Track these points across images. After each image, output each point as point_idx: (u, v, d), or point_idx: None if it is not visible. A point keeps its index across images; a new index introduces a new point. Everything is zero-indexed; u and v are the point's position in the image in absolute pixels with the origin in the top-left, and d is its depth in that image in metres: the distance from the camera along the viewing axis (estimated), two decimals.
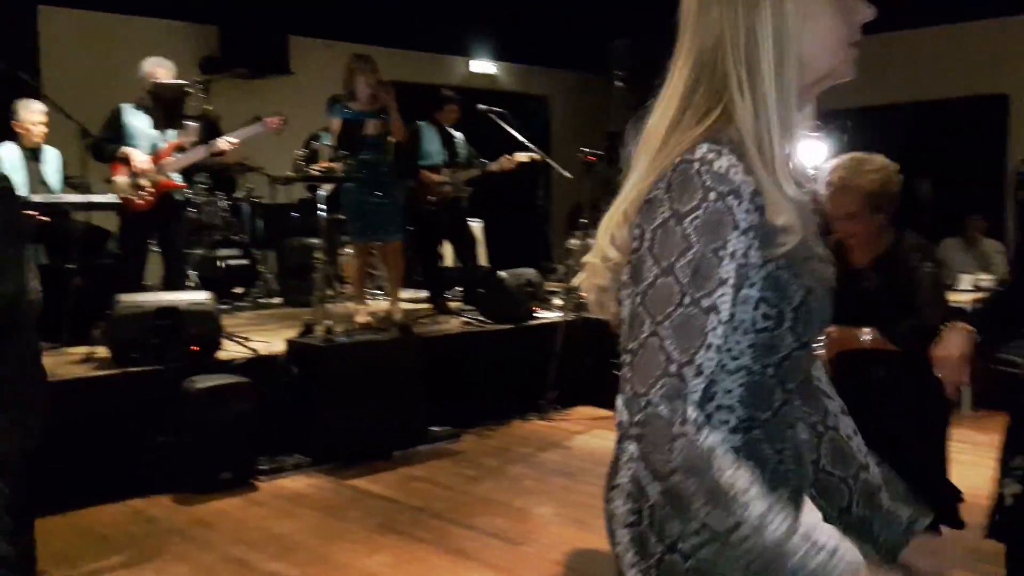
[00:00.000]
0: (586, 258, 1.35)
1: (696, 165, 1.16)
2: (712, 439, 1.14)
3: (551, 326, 6.63)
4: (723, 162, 1.16)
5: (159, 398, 4.83)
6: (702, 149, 1.17)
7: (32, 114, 5.84)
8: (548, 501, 4.66)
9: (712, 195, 1.15)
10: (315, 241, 7.95)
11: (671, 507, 1.18)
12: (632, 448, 1.21)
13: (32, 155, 5.93)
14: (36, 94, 5.98)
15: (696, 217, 1.15)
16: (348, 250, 7.37)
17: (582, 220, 6.57)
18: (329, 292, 6.66)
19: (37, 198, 5.61)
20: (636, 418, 1.14)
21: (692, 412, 1.13)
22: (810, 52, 1.24)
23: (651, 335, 1.15)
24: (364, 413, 5.36)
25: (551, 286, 7.63)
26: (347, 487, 4.94)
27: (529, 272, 6.89)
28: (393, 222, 6.47)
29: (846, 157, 2.99)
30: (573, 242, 7.27)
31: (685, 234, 1.15)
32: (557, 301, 7.32)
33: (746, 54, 1.21)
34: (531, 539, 4.14)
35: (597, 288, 1.33)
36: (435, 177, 7.19)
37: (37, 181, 5.92)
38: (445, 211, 7.22)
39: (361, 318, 6.38)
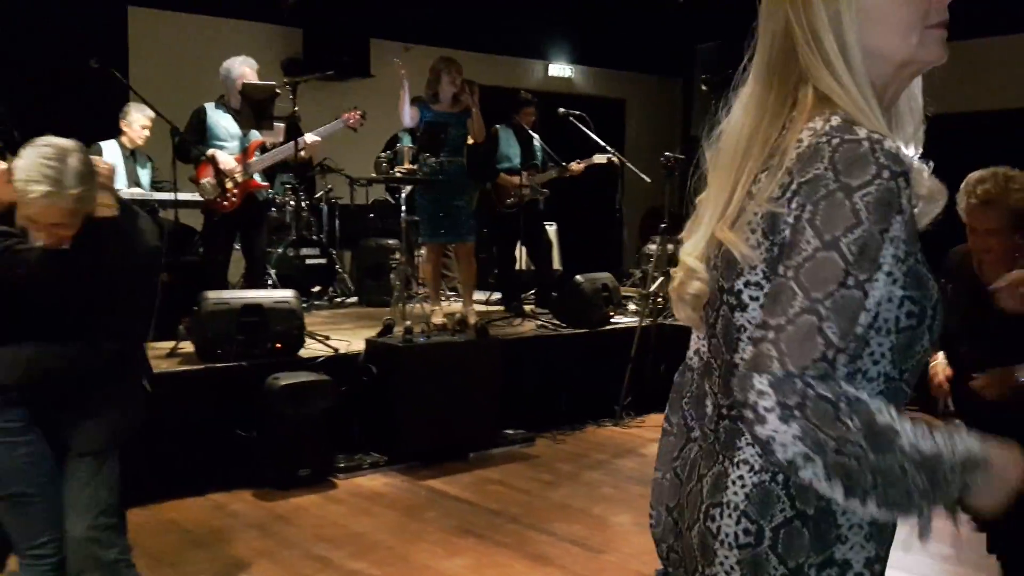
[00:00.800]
0: (683, 260, 1.29)
1: (864, 144, 1.10)
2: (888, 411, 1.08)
3: (626, 331, 6.57)
4: (889, 142, 1.11)
5: (242, 394, 4.90)
6: (862, 130, 1.12)
7: (142, 117, 6.03)
8: (627, 509, 4.61)
9: (886, 173, 1.08)
10: (391, 242, 8.05)
11: (846, 480, 1.06)
12: (751, 463, 1.17)
13: (131, 155, 6.13)
14: (127, 94, 6.14)
15: (868, 193, 1.08)
16: (422, 251, 7.41)
17: (662, 225, 6.48)
18: (407, 292, 6.70)
19: (127, 195, 5.76)
20: (791, 400, 1.05)
21: (852, 392, 1.07)
22: (877, 40, 1.20)
23: (805, 311, 1.07)
24: (440, 414, 5.38)
25: (626, 291, 7.57)
26: (423, 487, 4.96)
27: (605, 276, 6.84)
28: (467, 224, 6.49)
29: (990, 171, 2.88)
30: (651, 247, 7.20)
31: (855, 208, 1.08)
32: (632, 306, 7.26)
33: (814, 40, 1.18)
34: (612, 548, 4.10)
35: (690, 294, 1.28)
36: (513, 180, 7.20)
37: (132, 181, 6.11)
38: (521, 214, 7.22)
39: (437, 319, 6.40)
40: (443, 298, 7.24)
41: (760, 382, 1.07)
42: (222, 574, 3.74)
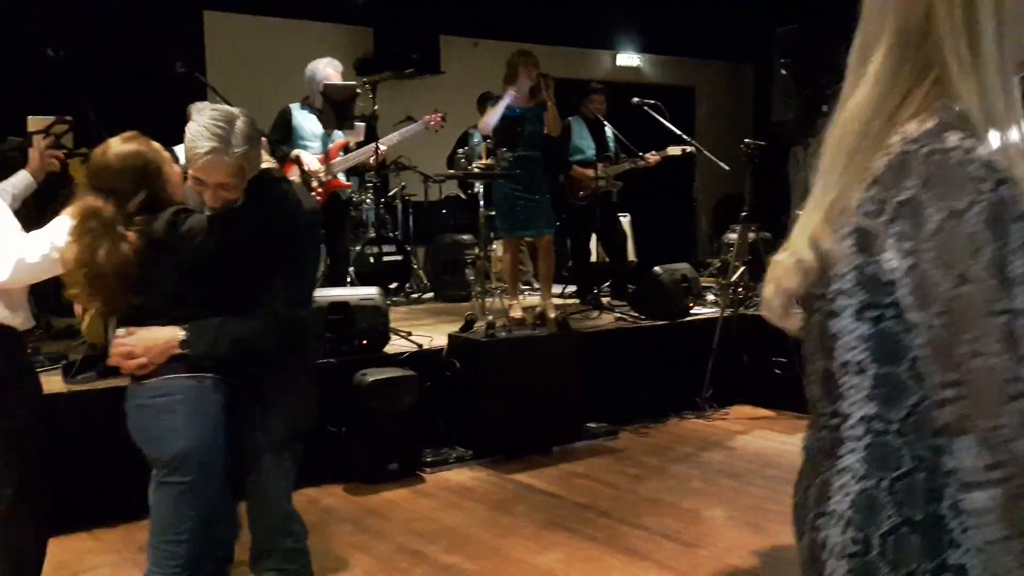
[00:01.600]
0: (777, 256, 1.25)
1: (955, 155, 1.05)
2: None
3: (707, 322, 6.51)
4: (982, 149, 1.06)
5: (331, 390, 4.96)
6: (953, 137, 1.06)
7: None
8: (719, 503, 4.56)
9: (985, 186, 1.04)
10: (465, 237, 8.09)
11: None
12: (853, 471, 1.15)
13: None
14: (204, 97, 6.25)
15: (977, 212, 1.03)
16: (494, 246, 7.42)
17: (743, 213, 6.38)
18: (490, 286, 6.72)
19: None
20: (998, 458, 1.02)
21: None
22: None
23: (974, 357, 1.03)
24: (523, 408, 5.39)
25: (705, 281, 7.49)
26: (510, 481, 4.97)
27: (684, 267, 6.77)
28: (545, 217, 6.47)
29: None
30: (731, 236, 7.09)
31: (970, 234, 1.03)
32: (710, 296, 7.18)
33: (965, 26, 1.11)
34: (706, 541, 4.06)
35: (783, 289, 1.24)
36: (587, 172, 7.17)
37: None
38: (596, 206, 7.18)
39: (515, 313, 6.41)
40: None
41: (965, 445, 1.05)
42: (320, 567, 3.78)
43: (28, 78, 5.98)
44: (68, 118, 4.83)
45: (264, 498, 2.67)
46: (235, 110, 2.54)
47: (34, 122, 5.12)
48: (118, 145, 2.57)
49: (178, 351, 2.48)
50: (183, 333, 2.49)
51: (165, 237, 2.50)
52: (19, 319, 2.90)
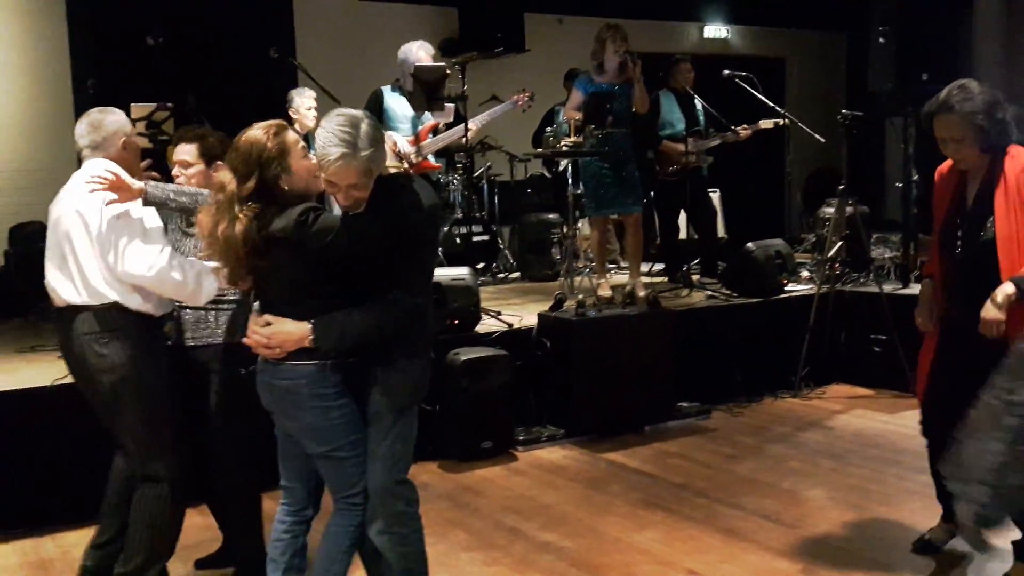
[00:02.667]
0: None
1: None
2: None
3: (802, 299, 6.36)
4: None
5: None
6: None
7: (306, 100, 6.22)
8: (818, 484, 4.46)
9: None
10: (551, 216, 8.06)
11: None
12: None
13: (305, 140, 6.34)
14: (295, 81, 6.35)
15: None
16: (580, 224, 7.37)
17: (840, 186, 6.19)
18: (577, 265, 6.69)
19: None
20: None
21: None
22: None
23: None
24: (615, 387, 5.36)
25: (800, 257, 7.32)
26: (603, 460, 4.96)
27: (778, 243, 6.63)
28: (633, 194, 6.40)
29: None
30: (827, 210, 6.90)
31: None
32: (805, 273, 7.01)
33: None
34: (807, 522, 3.98)
35: None
36: (676, 147, 7.05)
37: None
38: (685, 181, 7.07)
39: (603, 292, 6.36)
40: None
41: None
42: None
43: (130, 66, 6.18)
44: (169, 105, 4.99)
45: (379, 462, 2.78)
46: (359, 113, 2.67)
47: (137, 109, 5.30)
48: (251, 130, 2.72)
49: (307, 346, 2.66)
50: (311, 331, 2.65)
51: (294, 234, 2.61)
52: (151, 305, 3.18)
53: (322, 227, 2.61)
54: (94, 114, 3.28)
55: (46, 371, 4.45)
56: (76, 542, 3.97)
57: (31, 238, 7.45)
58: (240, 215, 2.63)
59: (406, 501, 2.85)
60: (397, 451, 2.80)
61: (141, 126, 5.04)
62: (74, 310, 3.14)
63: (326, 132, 2.60)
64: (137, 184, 3.08)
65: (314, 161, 2.72)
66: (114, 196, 3.04)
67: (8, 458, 4.09)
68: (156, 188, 3.11)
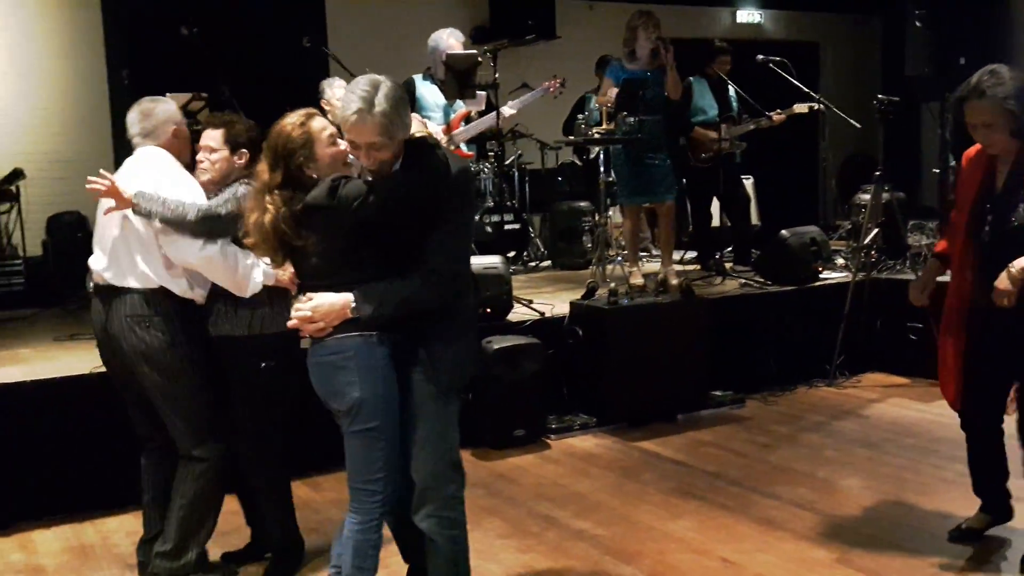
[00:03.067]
0: None
1: None
2: None
3: (837, 287, 6.30)
4: None
5: None
6: None
7: (337, 90, 6.20)
8: (854, 473, 4.43)
9: None
10: (583, 204, 8.03)
11: None
12: None
13: (338, 128, 6.36)
14: (327, 69, 6.35)
15: None
16: (611, 212, 7.34)
17: (876, 172, 6.11)
18: (609, 253, 6.66)
19: None
20: None
21: None
22: None
23: None
24: (647, 375, 5.34)
25: (835, 245, 7.24)
26: (635, 449, 4.95)
27: (812, 230, 6.56)
28: (666, 182, 6.36)
29: None
30: (863, 197, 6.82)
31: None
32: (840, 260, 6.94)
33: None
34: (842, 511, 3.95)
35: None
36: (709, 133, 6.99)
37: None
38: (718, 168, 7.01)
39: (635, 280, 6.34)
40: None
41: None
42: None
43: (164, 56, 6.22)
44: (204, 94, 5.02)
45: (429, 445, 2.77)
46: (381, 77, 2.66)
47: (171, 99, 5.34)
48: (281, 121, 2.76)
49: (350, 315, 2.65)
50: (353, 299, 2.65)
51: (326, 202, 2.64)
52: (196, 293, 3.26)
53: (352, 189, 2.64)
54: (145, 103, 3.34)
55: (84, 359, 4.52)
56: (116, 527, 4.04)
57: (69, 228, 7.58)
58: (268, 205, 2.68)
59: (457, 485, 2.84)
60: (448, 434, 2.81)
61: None
62: (117, 291, 3.20)
63: (347, 93, 2.63)
64: (128, 193, 3.12)
65: (342, 148, 2.74)
66: (111, 203, 3.12)
67: (48, 445, 4.16)
68: (145, 199, 3.13)
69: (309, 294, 2.71)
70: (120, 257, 3.21)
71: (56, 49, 7.99)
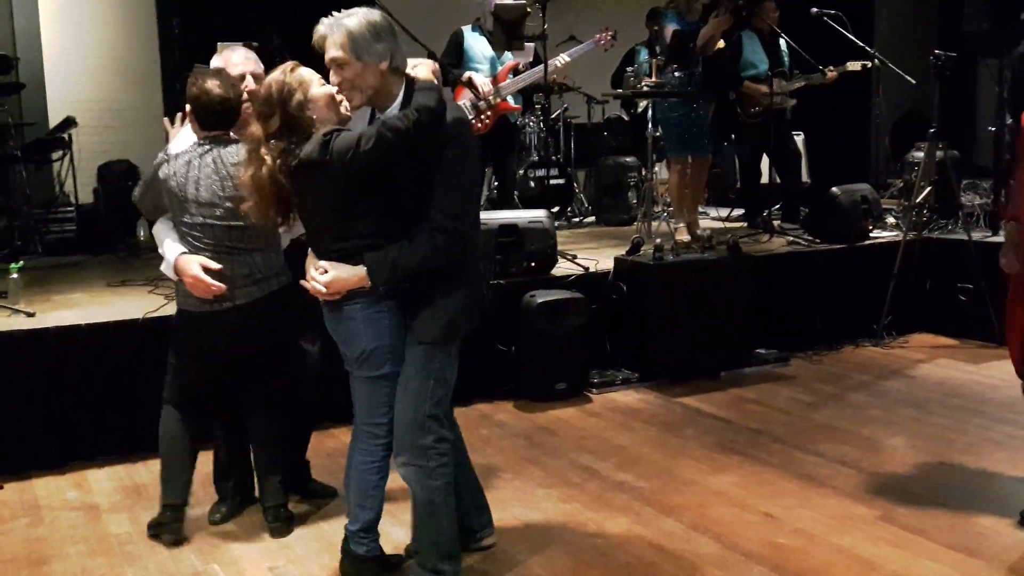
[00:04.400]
0: None
1: None
2: None
3: (887, 246, 6.21)
4: None
5: (500, 311, 5.04)
6: None
7: None
8: (900, 432, 4.40)
9: None
10: (629, 159, 7.96)
11: None
12: None
13: None
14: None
15: None
16: (656, 168, 7.27)
17: (931, 130, 5.97)
18: (654, 209, 6.62)
19: None
20: None
21: None
22: None
23: None
24: (692, 332, 5.32)
25: (887, 203, 7.12)
26: (678, 404, 4.95)
27: (864, 187, 6.45)
28: (708, 136, 6.31)
29: None
30: (916, 154, 6.68)
31: None
32: (890, 219, 6.83)
33: None
34: (887, 470, 3.93)
35: None
36: (759, 88, 6.87)
37: None
38: (768, 124, 6.90)
39: (681, 236, 6.31)
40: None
41: None
42: (497, 477, 3.92)
43: (215, 6, 6.23)
44: (254, 44, 5.00)
45: (409, 395, 2.81)
46: (372, 9, 2.71)
47: (222, 48, 5.36)
48: (274, 73, 2.77)
49: (365, 287, 2.72)
50: (366, 271, 2.69)
51: (319, 156, 2.64)
52: None
53: (345, 140, 2.62)
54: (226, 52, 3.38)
55: (137, 304, 4.62)
56: None
57: (119, 176, 7.68)
58: (265, 155, 2.69)
59: (434, 437, 2.82)
60: (429, 386, 2.80)
61: None
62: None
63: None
64: None
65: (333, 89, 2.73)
66: None
67: (102, 388, 4.26)
68: None
69: (322, 264, 2.75)
70: None
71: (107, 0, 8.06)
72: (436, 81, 2.79)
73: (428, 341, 2.78)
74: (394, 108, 2.72)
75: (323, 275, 2.73)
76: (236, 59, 3.39)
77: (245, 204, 2.83)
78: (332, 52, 2.65)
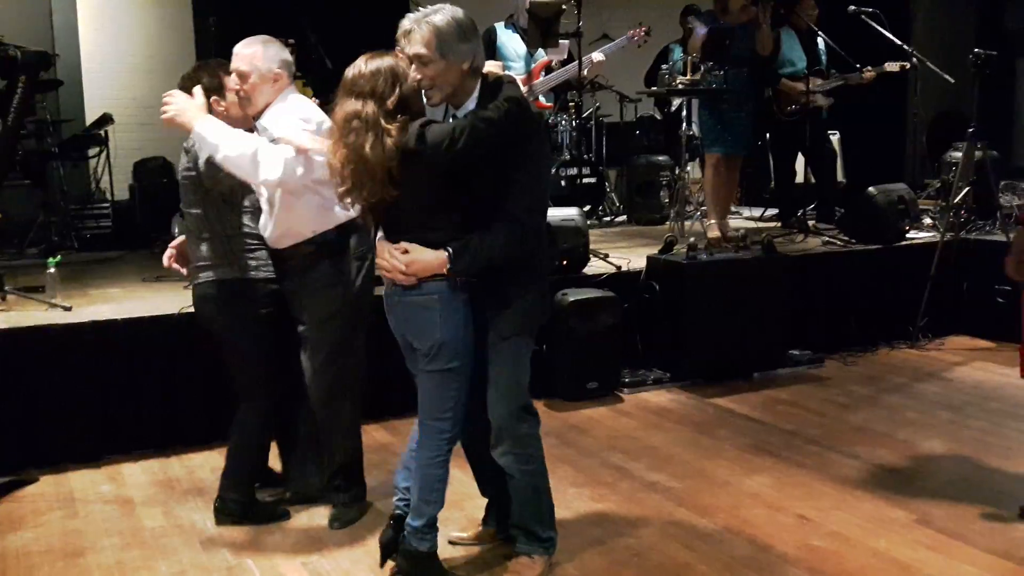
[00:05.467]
0: None
1: None
2: None
3: (924, 247, 6.13)
4: None
5: None
6: None
7: None
8: (937, 435, 4.33)
9: None
10: (661, 158, 7.91)
11: None
12: None
13: None
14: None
15: None
16: (689, 168, 7.23)
17: (970, 129, 5.89)
18: (688, 208, 6.58)
19: None
20: None
21: None
22: None
23: None
24: (725, 332, 5.28)
25: (924, 203, 7.03)
26: (710, 405, 4.92)
27: (901, 188, 6.37)
28: (745, 136, 6.26)
29: None
30: (954, 154, 6.59)
31: None
32: (927, 220, 6.74)
33: None
34: (924, 473, 3.88)
35: None
36: (796, 86, 6.80)
37: None
38: (804, 122, 6.83)
39: (712, 233, 6.26)
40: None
41: None
42: None
43: (251, 3, 6.25)
44: (291, 41, 5.04)
45: (502, 386, 2.85)
46: (456, 8, 2.72)
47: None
48: (369, 58, 2.77)
49: (444, 272, 2.72)
50: (448, 257, 2.70)
51: (416, 145, 2.67)
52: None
53: (440, 131, 2.66)
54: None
55: (172, 299, 4.66)
56: (201, 463, 4.18)
57: (154, 173, 7.76)
58: (390, 127, 2.66)
59: (529, 424, 2.92)
60: (519, 377, 2.86)
61: None
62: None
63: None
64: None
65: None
66: None
67: (137, 382, 4.30)
68: None
69: (403, 244, 2.75)
70: None
71: None
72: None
73: (511, 334, 2.82)
74: (469, 106, 2.76)
75: (404, 255, 2.74)
76: (237, 49, 3.35)
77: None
78: (416, 48, 2.66)
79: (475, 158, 2.66)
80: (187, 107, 3.14)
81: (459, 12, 2.71)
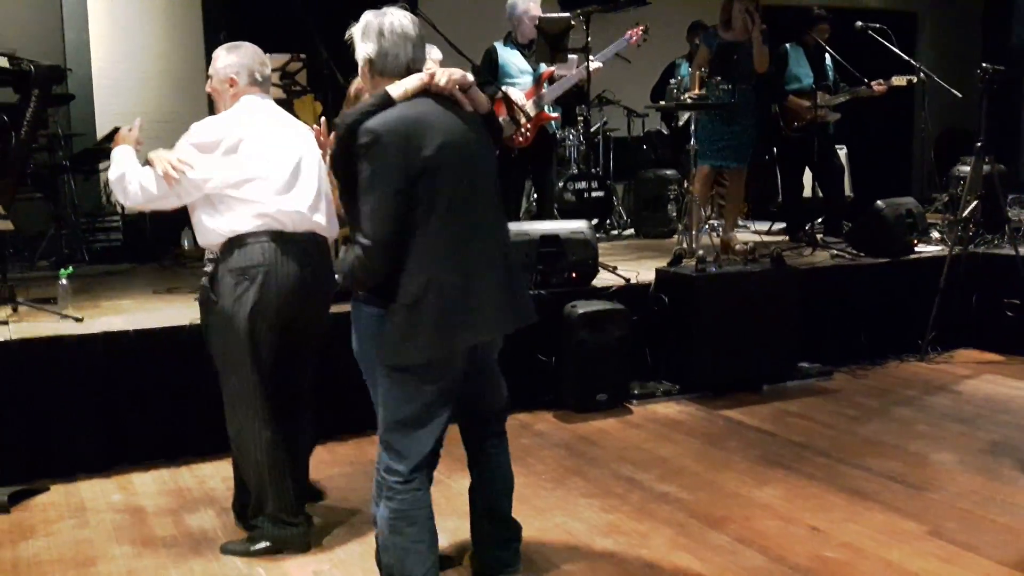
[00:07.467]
0: None
1: None
2: None
3: (932, 261, 6.13)
4: None
5: (541, 321, 5.01)
6: None
7: (429, 60, 6.25)
8: (948, 448, 4.32)
9: None
10: (668, 173, 7.94)
11: None
12: None
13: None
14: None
15: None
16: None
17: (978, 144, 5.91)
18: (697, 222, 6.59)
19: None
20: None
21: None
22: None
23: None
24: (734, 344, 5.28)
25: (931, 217, 7.04)
26: (720, 417, 4.91)
27: (909, 201, 6.38)
28: (742, 151, 6.30)
29: None
30: (962, 168, 6.60)
31: None
32: (935, 234, 6.74)
33: None
34: (935, 485, 3.87)
35: None
36: (802, 102, 6.83)
37: None
38: (812, 137, 6.85)
39: (704, 241, 6.28)
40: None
41: None
42: (536, 487, 3.91)
43: (261, 18, 6.30)
44: (302, 56, 5.09)
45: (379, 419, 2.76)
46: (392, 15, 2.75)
47: (270, 60, 5.44)
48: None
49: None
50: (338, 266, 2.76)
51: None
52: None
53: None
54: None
55: (183, 311, 4.68)
56: (212, 473, 4.19)
57: None
58: None
59: (382, 466, 2.67)
60: (383, 413, 2.67)
61: (276, 77, 5.18)
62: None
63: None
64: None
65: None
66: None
67: (148, 392, 4.31)
68: None
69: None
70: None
71: (155, 11, 8.20)
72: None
73: (381, 361, 2.63)
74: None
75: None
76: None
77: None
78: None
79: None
80: (119, 136, 3.43)
81: (369, 14, 2.71)
